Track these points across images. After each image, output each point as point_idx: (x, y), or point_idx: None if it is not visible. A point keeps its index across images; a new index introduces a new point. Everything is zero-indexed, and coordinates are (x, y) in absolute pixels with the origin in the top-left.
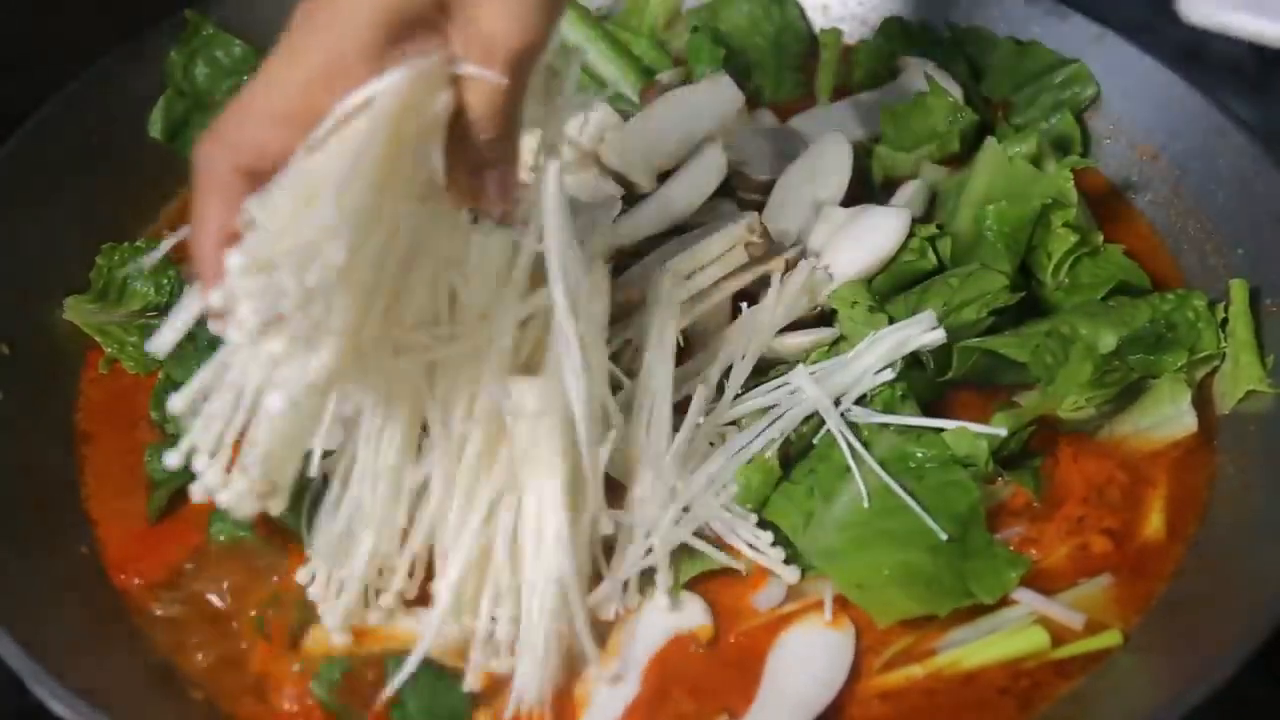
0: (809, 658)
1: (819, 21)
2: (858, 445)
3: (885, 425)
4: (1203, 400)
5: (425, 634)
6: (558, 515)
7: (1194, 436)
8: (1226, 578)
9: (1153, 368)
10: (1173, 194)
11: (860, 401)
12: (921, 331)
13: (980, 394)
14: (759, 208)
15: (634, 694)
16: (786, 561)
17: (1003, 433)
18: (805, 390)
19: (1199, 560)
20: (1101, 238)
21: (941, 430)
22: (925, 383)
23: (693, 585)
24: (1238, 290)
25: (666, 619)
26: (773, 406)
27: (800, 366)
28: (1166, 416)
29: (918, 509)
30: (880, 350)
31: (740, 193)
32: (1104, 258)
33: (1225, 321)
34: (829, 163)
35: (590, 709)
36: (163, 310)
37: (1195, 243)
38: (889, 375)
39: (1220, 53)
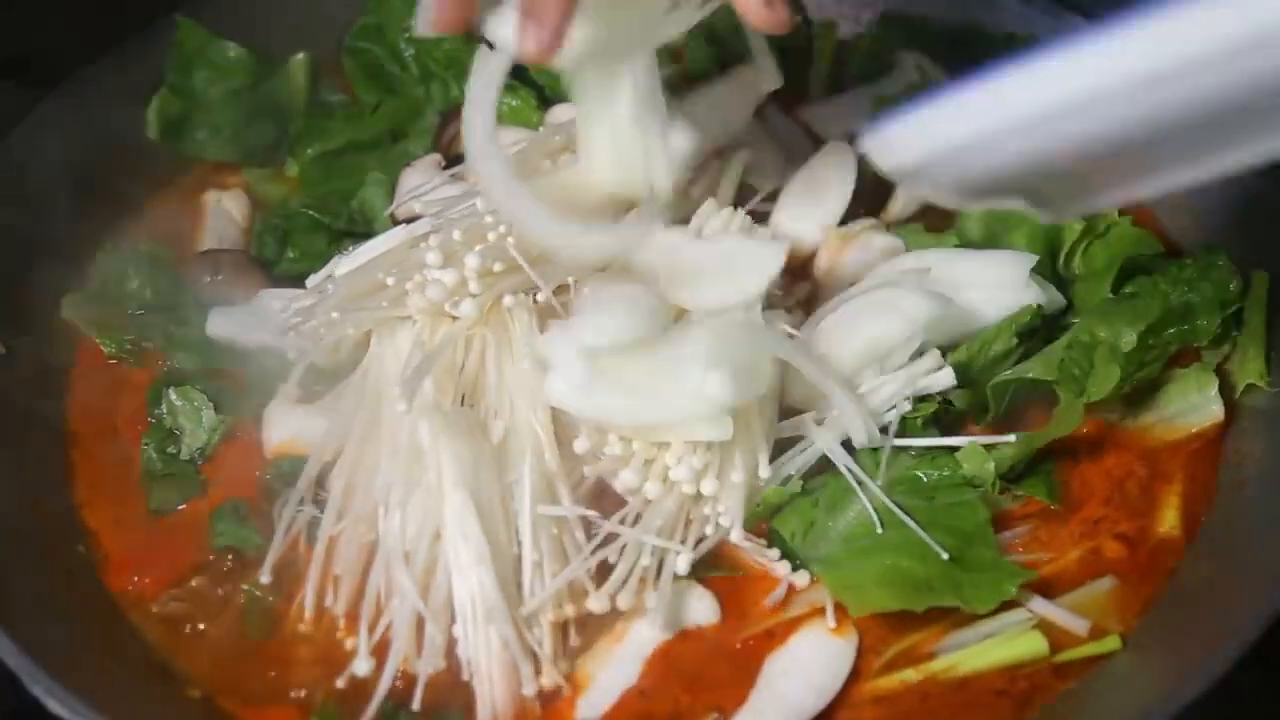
0: (807, 663)
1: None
2: (865, 478)
3: (903, 449)
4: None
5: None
6: (477, 539)
7: (1216, 426)
8: (1224, 574)
9: (1189, 337)
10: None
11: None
12: (928, 371)
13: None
14: (764, 217)
15: (633, 682)
16: (795, 569)
17: (1011, 437)
18: (812, 437)
19: (1198, 556)
20: (1115, 211)
21: (955, 450)
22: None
23: (706, 582)
24: (1258, 282)
25: (675, 613)
26: (798, 439)
27: (804, 417)
28: (1193, 404)
29: (919, 531)
30: (887, 391)
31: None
32: (1113, 235)
33: (1240, 311)
34: (832, 175)
35: (589, 691)
36: (159, 309)
37: (1190, 238)
38: (906, 407)
39: None
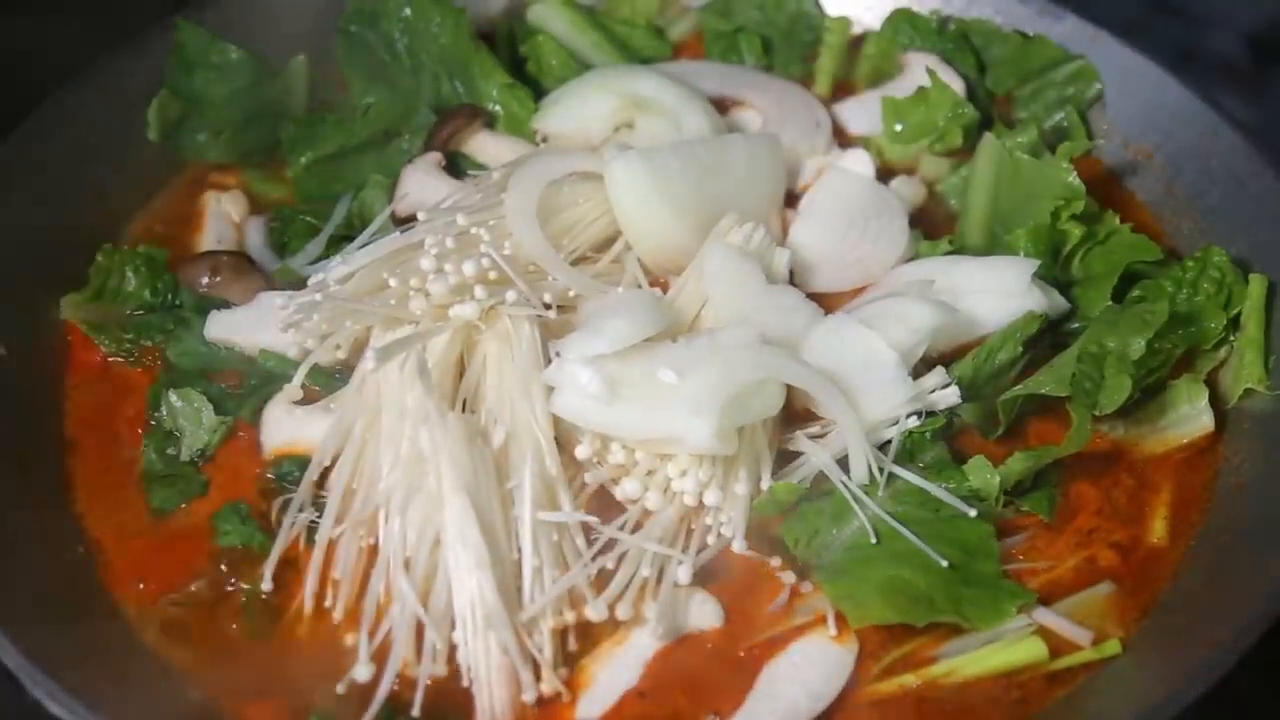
0: (805, 669)
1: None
2: (863, 496)
3: (911, 459)
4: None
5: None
6: (477, 544)
7: (1207, 437)
8: (1222, 578)
9: (1195, 339)
10: (1166, 193)
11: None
12: (932, 389)
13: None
14: None
15: (633, 684)
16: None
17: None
18: (811, 454)
19: (1196, 561)
20: (1116, 219)
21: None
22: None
23: (709, 588)
24: (1255, 285)
25: (679, 618)
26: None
27: (799, 434)
28: (1184, 415)
29: (918, 542)
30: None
31: None
32: (1113, 242)
33: (1238, 315)
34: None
35: (591, 689)
36: (156, 309)
37: (1190, 241)
38: (913, 423)
39: (1216, 52)
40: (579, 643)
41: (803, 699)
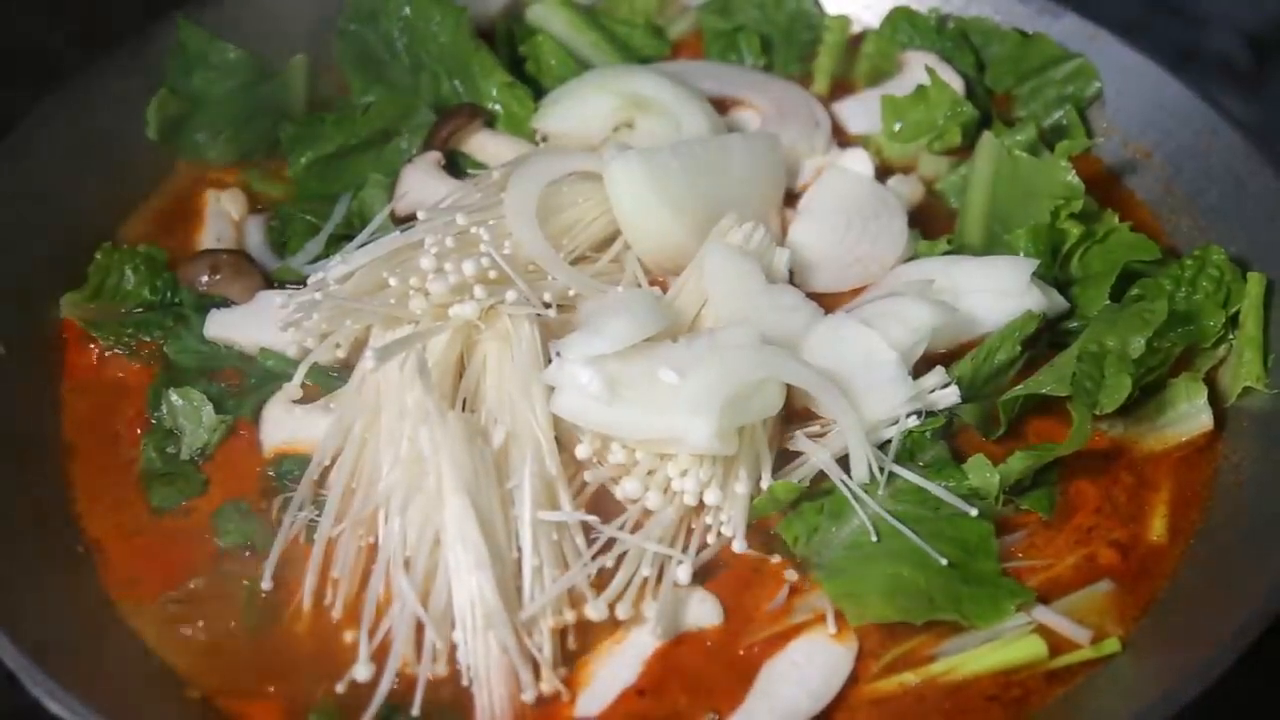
0: (804, 668)
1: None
2: (863, 495)
3: (911, 458)
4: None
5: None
6: (476, 544)
7: (1205, 435)
8: (1222, 576)
9: (1194, 338)
10: (1165, 192)
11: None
12: (932, 388)
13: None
14: None
15: (633, 682)
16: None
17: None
18: (811, 454)
19: (1195, 559)
20: (1116, 217)
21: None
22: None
23: (709, 586)
24: (1253, 283)
25: (679, 616)
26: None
27: (799, 434)
28: (1183, 414)
29: (918, 540)
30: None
31: None
32: (1112, 240)
33: (1236, 314)
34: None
35: (590, 687)
36: (155, 308)
37: (1189, 239)
38: (913, 423)
39: (1216, 52)
40: (578, 641)
41: (802, 697)
